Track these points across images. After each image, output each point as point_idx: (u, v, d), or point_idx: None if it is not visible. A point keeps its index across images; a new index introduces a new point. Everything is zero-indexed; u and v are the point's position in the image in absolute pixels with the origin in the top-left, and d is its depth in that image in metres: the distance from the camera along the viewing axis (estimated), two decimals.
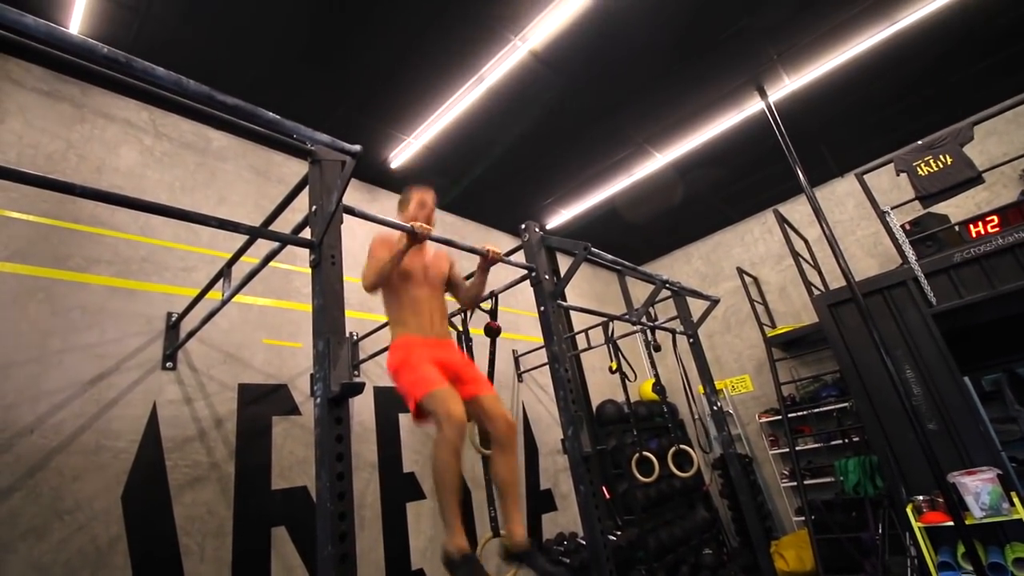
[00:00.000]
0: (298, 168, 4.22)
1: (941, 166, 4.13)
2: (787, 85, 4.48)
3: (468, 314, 3.54)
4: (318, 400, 1.58)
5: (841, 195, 6.37)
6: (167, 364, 3.07)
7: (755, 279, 6.89)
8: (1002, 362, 4.98)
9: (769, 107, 4.47)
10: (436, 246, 2.53)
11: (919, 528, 3.56)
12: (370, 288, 2.25)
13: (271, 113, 1.49)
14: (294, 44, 3.37)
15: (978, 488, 3.41)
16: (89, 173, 3.17)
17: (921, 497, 3.67)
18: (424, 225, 2.20)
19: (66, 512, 2.53)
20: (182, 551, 2.79)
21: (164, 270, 3.27)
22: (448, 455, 1.91)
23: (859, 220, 6.20)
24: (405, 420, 4.13)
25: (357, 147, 1.65)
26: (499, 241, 6.02)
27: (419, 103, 3.98)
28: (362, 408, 3.89)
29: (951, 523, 3.39)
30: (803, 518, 5.10)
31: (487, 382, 2.40)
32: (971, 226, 4.19)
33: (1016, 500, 3.33)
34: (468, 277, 3.23)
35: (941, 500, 3.51)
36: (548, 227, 6.16)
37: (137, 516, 2.71)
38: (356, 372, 3.93)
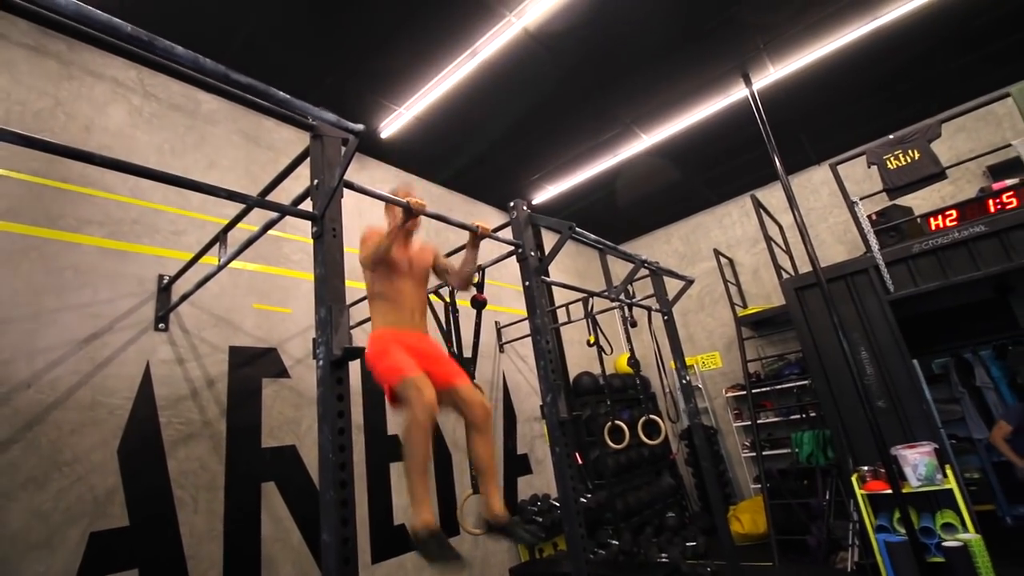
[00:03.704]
0: (288, 135, 4.21)
1: (909, 160, 4.35)
2: (771, 74, 4.61)
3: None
4: (321, 362, 1.71)
5: (817, 183, 6.59)
6: (159, 325, 3.15)
7: (730, 260, 7.13)
8: (950, 347, 5.34)
9: (753, 94, 4.60)
10: (423, 238, 2.71)
11: (862, 495, 3.90)
12: (369, 264, 2.39)
13: (282, 93, 1.57)
14: (286, 7, 3.35)
15: (916, 460, 3.74)
16: (77, 132, 3.15)
17: (866, 467, 4.01)
18: (419, 200, 2.31)
19: (64, 464, 2.63)
20: (176, 503, 2.94)
21: (155, 232, 3.30)
22: (418, 436, 2.06)
23: (832, 208, 6.44)
24: None
25: (360, 126, 1.74)
26: (485, 214, 6.11)
27: (411, 74, 3.99)
28: (349, 372, 4.02)
29: (890, 491, 3.73)
30: (760, 485, 5.48)
31: (462, 372, 2.53)
32: (931, 219, 4.45)
33: (949, 472, 3.67)
34: (457, 250, 3.37)
35: (883, 471, 3.84)
36: (534, 202, 6.26)
37: (133, 469, 2.83)
38: None
